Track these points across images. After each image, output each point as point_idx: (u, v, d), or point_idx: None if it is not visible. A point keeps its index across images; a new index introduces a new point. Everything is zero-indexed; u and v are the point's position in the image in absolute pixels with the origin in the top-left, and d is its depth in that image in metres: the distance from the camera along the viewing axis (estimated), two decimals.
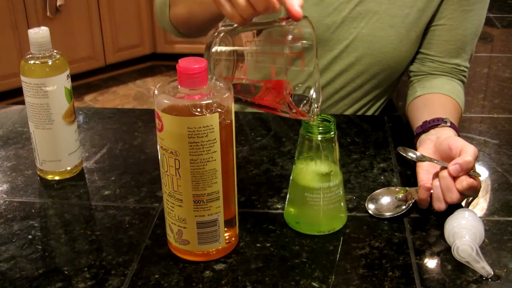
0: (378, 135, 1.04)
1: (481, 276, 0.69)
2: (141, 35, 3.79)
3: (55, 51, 0.86)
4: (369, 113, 1.19)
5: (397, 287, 0.68)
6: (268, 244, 0.75)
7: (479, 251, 0.69)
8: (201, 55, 0.69)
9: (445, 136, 0.87)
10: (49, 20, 3.31)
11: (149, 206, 0.84)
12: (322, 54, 1.10)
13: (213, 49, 0.74)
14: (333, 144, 0.74)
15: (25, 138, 1.03)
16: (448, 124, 0.91)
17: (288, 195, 0.80)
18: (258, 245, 0.75)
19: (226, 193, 0.70)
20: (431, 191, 0.80)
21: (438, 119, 0.92)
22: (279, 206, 0.83)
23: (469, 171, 0.77)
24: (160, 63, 3.93)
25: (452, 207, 0.78)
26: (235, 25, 0.75)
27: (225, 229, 0.71)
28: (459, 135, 0.90)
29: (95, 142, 1.02)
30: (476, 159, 0.79)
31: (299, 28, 0.73)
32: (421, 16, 1.07)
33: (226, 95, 0.66)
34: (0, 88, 3.20)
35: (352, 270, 0.71)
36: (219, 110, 0.65)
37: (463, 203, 0.83)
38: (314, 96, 0.77)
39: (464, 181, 0.77)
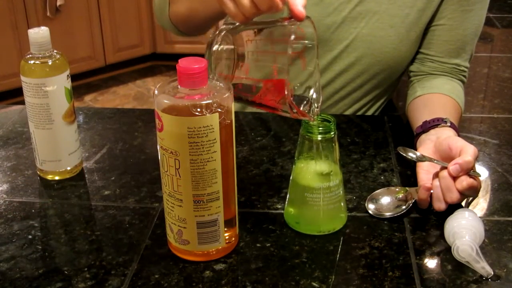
0: (378, 135, 1.04)
1: (481, 276, 0.69)
2: (141, 35, 3.79)
3: (55, 51, 0.86)
4: (369, 113, 1.19)
5: (397, 287, 0.68)
6: (268, 244, 0.75)
7: (479, 251, 0.69)
8: (201, 55, 0.69)
9: (445, 136, 0.87)
10: (49, 20, 3.31)
11: (149, 206, 0.84)
12: (322, 54, 1.10)
13: (214, 48, 0.74)
14: (333, 144, 0.74)
15: (25, 138, 1.03)
16: (448, 124, 0.91)
17: (288, 195, 0.80)
18: (258, 245, 0.75)
19: (226, 193, 0.70)
20: (431, 191, 0.80)
21: (438, 119, 0.92)
22: (279, 206, 0.83)
23: (469, 171, 0.77)
24: (160, 63, 3.93)
25: (452, 207, 0.78)
26: (237, 24, 0.75)
27: (225, 229, 0.71)
28: (459, 135, 0.90)
29: (95, 142, 1.02)
30: (476, 159, 0.79)
31: (301, 28, 0.73)
32: (421, 16, 1.07)
33: (226, 95, 0.66)
34: (0, 88, 3.20)
35: (352, 270, 0.71)
36: (219, 110, 0.65)
37: (463, 203, 0.83)
38: (314, 96, 0.77)
39: (464, 181, 0.77)
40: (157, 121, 0.66)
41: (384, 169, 0.93)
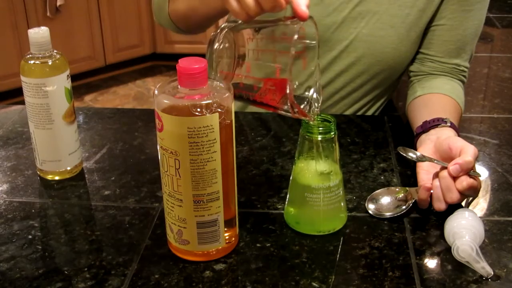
0: (378, 135, 1.04)
1: (481, 276, 0.69)
2: (141, 35, 3.79)
3: (55, 51, 0.86)
4: (369, 113, 1.19)
5: (397, 287, 0.68)
6: (268, 244, 0.75)
7: (479, 251, 0.69)
8: (201, 55, 0.69)
9: (445, 136, 0.87)
10: (49, 20, 3.31)
11: (149, 206, 0.84)
12: (322, 54, 1.10)
13: (216, 46, 0.74)
14: (333, 144, 0.74)
15: (25, 138, 1.03)
16: (448, 124, 0.91)
17: (288, 195, 0.80)
18: (258, 245, 0.75)
19: (226, 193, 0.70)
20: (431, 191, 0.80)
21: (438, 119, 0.92)
22: (279, 206, 0.83)
23: (469, 171, 0.77)
24: (160, 63, 3.94)
25: (452, 207, 0.78)
26: (239, 22, 0.75)
27: (225, 229, 0.71)
28: (459, 135, 0.90)
29: (95, 142, 1.02)
30: (476, 159, 0.79)
31: (303, 28, 0.73)
32: (421, 16, 1.07)
33: (226, 95, 0.66)
34: (0, 88, 3.20)
35: (352, 270, 0.71)
36: (219, 110, 0.65)
37: (463, 203, 0.83)
38: (314, 96, 0.77)
39: (464, 181, 0.77)
40: (157, 121, 0.66)
41: (384, 169, 0.93)
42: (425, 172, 0.84)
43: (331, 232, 0.77)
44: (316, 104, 0.77)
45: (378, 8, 1.06)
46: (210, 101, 0.65)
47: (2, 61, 3.19)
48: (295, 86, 0.78)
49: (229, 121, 0.67)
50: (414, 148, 0.90)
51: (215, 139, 0.65)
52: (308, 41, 0.75)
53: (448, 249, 0.73)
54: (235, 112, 0.70)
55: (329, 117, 0.75)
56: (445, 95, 1.04)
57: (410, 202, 0.81)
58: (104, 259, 0.73)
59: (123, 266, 0.72)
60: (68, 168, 0.91)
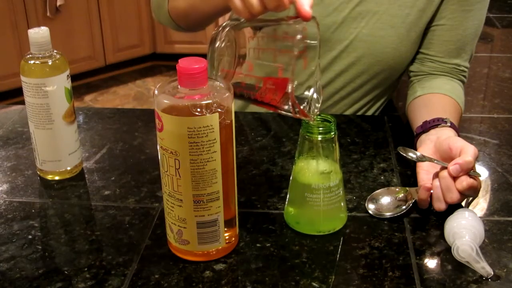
0: (378, 135, 1.04)
1: (481, 276, 0.69)
2: (141, 35, 3.79)
3: (55, 51, 0.86)
4: (369, 113, 1.19)
5: (397, 287, 0.68)
6: (268, 244, 0.75)
7: (479, 251, 0.69)
8: (201, 55, 0.69)
9: (445, 136, 0.87)
10: (49, 20, 3.31)
11: (149, 206, 0.84)
12: (322, 54, 1.10)
13: (217, 44, 0.74)
14: (333, 144, 0.74)
15: (25, 138, 1.03)
16: (448, 124, 0.91)
17: (288, 195, 0.80)
18: (258, 245, 0.75)
19: (226, 193, 0.70)
20: (431, 191, 0.80)
21: (438, 119, 0.92)
22: (279, 206, 0.83)
23: (469, 171, 0.77)
24: (160, 63, 3.94)
25: (452, 207, 0.78)
26: (242, 20, 0.75)
27: (225, 229, 0.71)
28: (459, 135, 0.90)
29: (95, 142, 1.02)
30: (476, 159, 0.79)
31: (305, 28, 0.73)
32: (421, 16, 1.07)
33: (226, 95, 0.66)
34: (0, 88, 3.20)
35: (352, 270, 0.71)
36: (219, 110, 0.65)
37: (463, 203, 0.83)
38: (314, 96, 0.77)
39: (464, 181, 0.77)
40: (157, 121, 0.66)
41: (384, 169, 0.93)
42: (425, 172, 0.84)
43: (331, 232, 0.77)
44: (316, 104, 0.76)
45: (378, 8, 1.06)
46: (210, 101, 0.64)
47: (2, 61, 3.19)
48: (294, 86, 0.78)
49: (229, 121, 0.67)
50: (414, 148, 0.90)
51: (215, 139, 0.65)
52: (309, 41, 0.75)
53: (448, 249, 0.73)
54: (235, 112, 0.70)
55: (329, 117, 0.75)
56: (445, 95, 1.04)
57: (410, 202, 0.81)
58: (104, 259, 0.73)
59: (123, 266, 0.72)
60: (68, 168, 0.91)
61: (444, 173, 0.79)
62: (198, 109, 0.64)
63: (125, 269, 0.71)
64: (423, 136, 0.92)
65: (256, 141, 1.02)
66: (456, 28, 1.07)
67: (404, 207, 0.81)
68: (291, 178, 0.78)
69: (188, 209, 0.68)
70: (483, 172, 0.92)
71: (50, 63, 0.85)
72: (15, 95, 3.07)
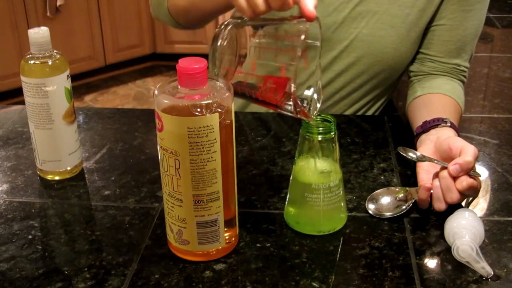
0: (378, 135, 1.04)
1: (481, 276, 0.69)
2: (141, 35, 3.79)
3: (55, 51, 0.86)
4: (369, 113, 1.19)
5: (397, 287, 0.68)
6: (268, 244, 0.75)
7: (479, 251, 0.69)
8: (201, 55, 0.69)
9: (445, 136, 0.87)
10: (49, 20, 3.31)
11: (149, 206, 0.84)
12: (322, 54, 1.10)
13: (219, 42, 0.74)
14: (333, 144, 0.74)
15: (25, 138, 1.03)
16: (448, 124, 0.91)
17: (288, 195, 0.80)
18: (258, 245, 0.75)
19: (226, 193, 0.70)
20: (431, 191, 0.80)
21: (438, 119, 0.92)
22: (279, 206, 0.83)
23: (469, 171, 0.77)
24: (160, 63, 3.94)
25: (452, 207, 0.78)
26: (245, 19, 0.75)
27: (225, 229, 0.71)
28: (459, 135, 0.90)
29: (95, 142, 1.02)
30: (476, 159, 0.79)
31: (308, 27, 0.72)
32: (421, 16, 1.07)
33: (226, 95, 0.66)
34: (0, 88, 3.20)
35: (352, 270, 0.71)
36: (219, 110, 0.65)
37: (463, 203, 0.83)
38: (315, 96, 0.77)
39: (464, 181, 0.77)
40: (157, 121, 0.66)
41: (384, 169, 0.93)
42: (425, 172, 0.84)
43: (331, 232, 0.77)
44: (316, 104, 0.76)
45: (378, 8, 1.06)
46: (210, 101, 0.64)
47: (2, 61, 3.19)
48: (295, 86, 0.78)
49: (229, 121, 0.67)
50: (414, 148, 0.90)
51: (215, 139, 0.65)
52: (311, 41, 0.75)
53: (448, 249, 0.73)
54: (235, 112, 0.70)
55: (329, 117, 0.75)
56: (445, 95, 1.04)
57: (410, 202, 0.81)
58: (104, 259, 0.73)
59: (123, 266, 0.72)
60: (68, 168, 0.91)
61: (444, 173, 0.79)
62: (198, 109, 0.64)
63: (125, 269, 0.71)
64: (423, 136, 0.92)
65: (256, 141, 1.02)
66: (456, 28, 1.07)
67: (404, 207, 0.81)
68: (291, 178, 0.78)
69: (188, 209, 0.68)
70: (483, 172, 0.92)
71: (50, 63, 0.85)
72: (15, 95, 3.07)
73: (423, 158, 0.84)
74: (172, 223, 0.71)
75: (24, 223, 0.80)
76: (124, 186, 0.89)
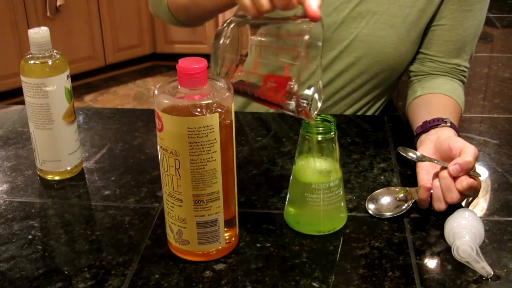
0: (378, 135, 1.04)
1: (481, 276, 0.69)
2: (141, 35, 3.79)
3: (55, 51, 0.86)
4: (369, 113, 1.19)
5: (397, 287, 0.68)
6: (268, 244, 0.75)
7: (479, 251, 0.69)
8: (201, 55, 0.69)
9: (445, 136, 0.87)
10: (49, 20, 3.31)
11: (149, 206, 0.84)
12: (322, 54, 1.09)
13: (222, 40, 0.74)
14: (333, 144, 0.74)
15: (25, 138, 1.03)
16: (448, 124, 0.91)
17: (288, 195, 0.80)
18: (258, 245, 0.75)
19: (226, 193, 0.70)
20: (431, 191, 0.80)
21: (438, 119, 0.92)
22: (279, 206, 0.83)
23: (469, 171, 0.77)
24: (160, 63, 3.94)
25: (452, 207, 0.78)
26: (248, 17, 0.75)
27: (225, 229, 0.71)
28: (459, 135, 0.90)
29: (95, 142, 1.02)
30: (476, 159, 0.79)
31: (311, 27, 0.72)
32: (421, 16, 1.07)
33: (226, 95, 0.66)
34: (0, 88, 3.20)
35: (352, 270, 0.71)
36: (219, 110, 0.65)
37: (463, 203, 0.83)
38: (315, 95, 0.77)
39: (464, 181, 0.77)
40: (157, 121, 0.66)
41: (384, 169, 0.93)
42: (425, 172, 0.84)
43: (331, 232, 0.77)
44: (316, 103, 0.76)
45: (378, 8, 1.06)
46: (210, 101, 0.64)
47: (2, 61, 3.19)
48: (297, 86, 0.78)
49: (229, 121, 0.67)
50: (414, 148, 0.90)
51: (215, 139, 0.65)
52: (314, 40, 0.75)
53: (448, 249, 0.73)
54: (235, 112, 0.70)
55: (329, 117, 0.75)
56: (445, 95, 1.04)
57: (410, 202, 0.81)
58: (104, 259, 0.73)
59: (123, 266, 0.72)
60: (68, 168, 0.91)
61: (444, 173, 0.79)
62: (198, 109, 0.64)
63: (125, 269, 0.71)
64: (423, 136, 0.92)
65: (256, 141, 1.02)
66: (456, 28, 1.07)
67: (404, 207, 0.81)
68: (291, 178, 0.78)
69: (188, 209, 0.68)
70: (483, 172, 0.92)
71: (50, 63, 0.85)
72: (15, 95, 3.07)
73: (423, 158, 0.84)
74: (172, 223, 0.71)
75: (24, 223, 0.80)
76: (124, 186, 0.89)
